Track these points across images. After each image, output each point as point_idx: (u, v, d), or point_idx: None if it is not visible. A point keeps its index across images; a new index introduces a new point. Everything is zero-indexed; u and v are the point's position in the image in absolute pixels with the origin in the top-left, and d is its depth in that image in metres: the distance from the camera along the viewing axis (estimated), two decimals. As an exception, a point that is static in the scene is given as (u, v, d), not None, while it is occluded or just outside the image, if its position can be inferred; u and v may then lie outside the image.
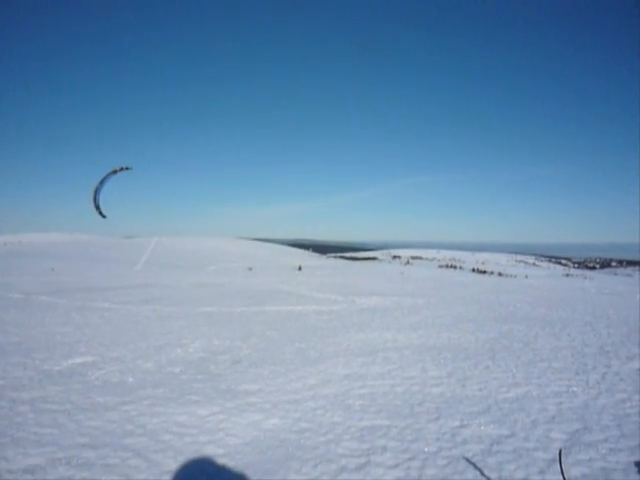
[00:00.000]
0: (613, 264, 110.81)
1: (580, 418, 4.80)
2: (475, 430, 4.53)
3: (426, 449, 4.14)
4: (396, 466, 3.86)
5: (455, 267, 72.01)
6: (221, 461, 4.01)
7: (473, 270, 64.37)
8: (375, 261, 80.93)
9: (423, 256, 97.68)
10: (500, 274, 57.71)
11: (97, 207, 10.97)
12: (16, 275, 23.25)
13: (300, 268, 36.20)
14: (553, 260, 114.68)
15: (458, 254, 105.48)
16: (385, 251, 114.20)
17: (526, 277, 46.19)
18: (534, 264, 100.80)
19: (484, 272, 60.16)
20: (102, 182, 10.87)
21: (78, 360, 7.29)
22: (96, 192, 10.83)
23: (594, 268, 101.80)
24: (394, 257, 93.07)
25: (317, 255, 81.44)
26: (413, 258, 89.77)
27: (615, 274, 78.53)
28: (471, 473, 3.71)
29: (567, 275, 64.69)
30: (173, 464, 3.92)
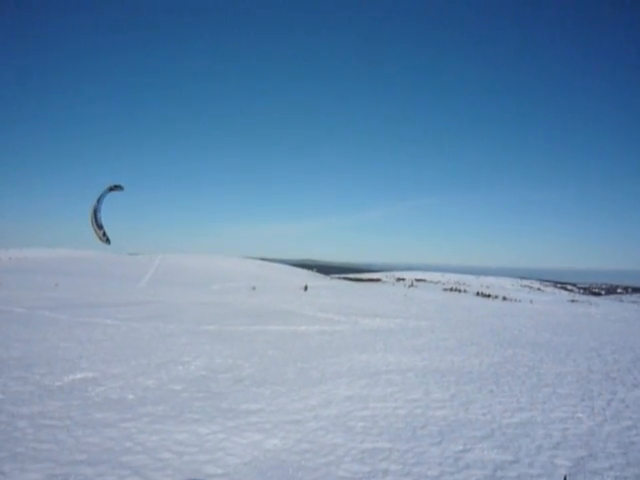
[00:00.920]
0: (619, 290, 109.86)
1: (585, 445, 4.70)
2: (478, 455, 4.45)
3: (428, 473, 4.07)
4: (397, 490, 3.79)
5: (460, 290, 71.58)
6: (220, 481, 3.95)
7: (477, 294, 63.92)
8: (379, 283, 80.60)
9: (427, 279, 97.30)
10: (505, 298, 57.29)
11: (100, 227, 9.73)
12: (20, 290, 23.37)
13: (306, 288, 36.02)
14: (558, 285, 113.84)
15: (463, 277, 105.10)
16: (389, 273, 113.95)
17: (531, 302, 45.82)
18: (539, 289, 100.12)
19: (489, 296, 59.75)
20: (99, 201, 9.62)
21: (79, 376, 7.27)
22: (96, 212, 9.64)
23: (600, 294, 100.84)
24: (398, 279, 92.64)
25: (321, 276, 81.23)
26: (417, 280, 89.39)
27: (621, 300, 77.81)
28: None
29: (572, 301, 64.10)
30: (171, 483, 3.87)
